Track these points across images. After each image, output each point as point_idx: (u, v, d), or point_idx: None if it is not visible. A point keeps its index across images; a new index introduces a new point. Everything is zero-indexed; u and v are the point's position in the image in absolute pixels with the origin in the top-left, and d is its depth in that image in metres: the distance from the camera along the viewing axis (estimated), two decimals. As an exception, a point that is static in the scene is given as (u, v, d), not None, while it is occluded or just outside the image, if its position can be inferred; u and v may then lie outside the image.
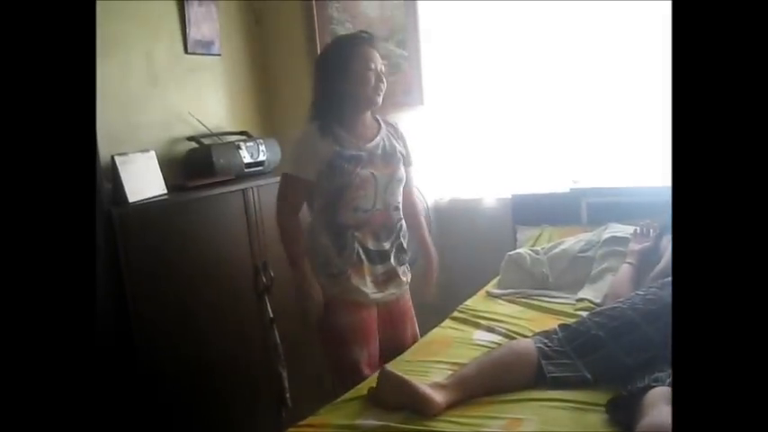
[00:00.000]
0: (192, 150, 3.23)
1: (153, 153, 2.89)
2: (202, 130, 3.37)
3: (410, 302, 2.61)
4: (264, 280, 2.51)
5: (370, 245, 2.36)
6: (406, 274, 2.51)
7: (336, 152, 2.28)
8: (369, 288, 2.37)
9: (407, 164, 2.50)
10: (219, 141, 3.37)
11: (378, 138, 2.40)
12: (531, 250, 3.14)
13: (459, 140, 3.69)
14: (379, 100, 2.35)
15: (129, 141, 2.93)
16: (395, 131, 2.50)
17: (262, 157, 3.33)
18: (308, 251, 2.40)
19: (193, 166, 3.17)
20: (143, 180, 2.74)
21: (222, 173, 3.10)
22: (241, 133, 3.56)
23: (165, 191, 2.84)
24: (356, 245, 2.33)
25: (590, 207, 3.36)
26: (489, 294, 3.01)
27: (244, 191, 3.06)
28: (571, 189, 3.42)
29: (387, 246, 2.40)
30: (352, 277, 2.34)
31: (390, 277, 2.44)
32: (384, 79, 2.35)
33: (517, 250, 3.19)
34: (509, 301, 2.90)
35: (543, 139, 3.52)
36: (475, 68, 3.58)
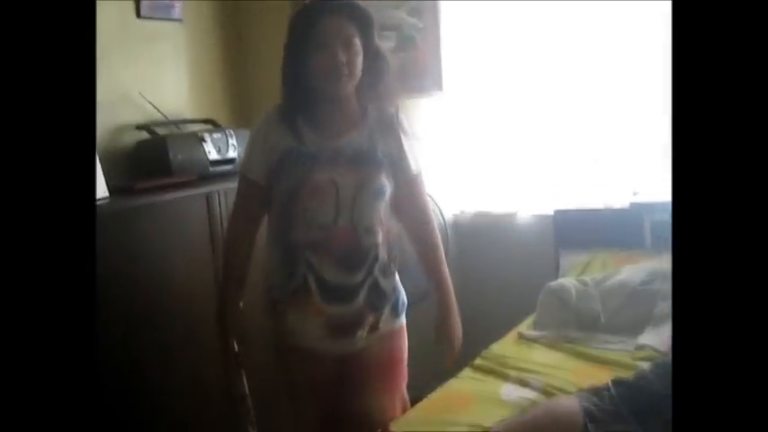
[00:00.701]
0: (143, 142, 3.24)
1: (92, 144, 2.90)
2: (157, 116, 3.37)
3: (395, 359, 2.48)
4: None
5: (329, 275, 2.27)
6: (388, 322, 2.40)
7: (290, 148, 2.27)
8: (314, 332, 2.31)
9: (402, 171, 2.37)
10: (178, 131, 3.38)
11: (353, 134, 2.32)
12: (578, 281, 3.13)
13: (487, 138, 3.69)
14: (338, 88, 2.25)
15: (62, 128, 2.94)
16: (386, 128, 2.37)
17: (231, 153, 3.33)
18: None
19: (143, 161, 3.18)
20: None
21: (180, 171, 3.10)
22: (206, 122, 3.56)
23: (107, 193, 2.83)
24: (307, 272, 2.26)
25: (655, 227, 3.36)
26: (522, 337, 3.00)
27: (208, 195, 3.04)
28: (630, 204, 3.42)
29: (354, 280, 2.29)
30: (290, 314, 2.32)
31: (355, 324, 2.33)
32: (354, 60, 2.23)
33: (560, 281, 3.18)
34: (548, 346, 2.89)
35: (594, 139, 3.53)
36: (509, 46, 3.59)
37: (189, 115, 3.59)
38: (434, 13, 3.64)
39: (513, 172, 3.70)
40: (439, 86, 3.67)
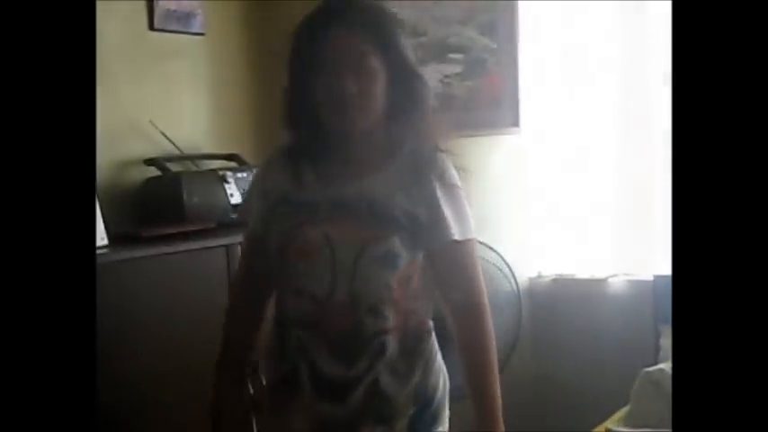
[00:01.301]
0: (152, 180, 3.28)
1: (91, 181, 2.94)
2: (170, 149, 3.42)
3: None
4: (252, 389, 2.47)
5: (323, 364, 2.08)
6: None
7: (284, 193, 2.13)
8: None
9: (435, 235, 2.08)
10: (195, 168, 3.44)
11: (367, 180, 2.09)
12: (683, 367, 3.10)
13: (571, 187, 3.69)
14: (346, 125, 2.05)
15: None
16: (417, 175, 2.09)
17: (258, 197, 3.34)
18: None
19: (152, 203, 3.23)
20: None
21: (196, 217, 3.14)
22: (229, 157, 3.61)
23: (106, 240, 2.87)
24: (299, 357, 2.09)
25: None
26: (612, 434, 2.98)
27: (228, 247, 3.08)
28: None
29: (349, 374, 2.06)
30: (275, 406, 2.19)
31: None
32: (369, 88, 2.02)
33: (659, 366, 3.15)
34: (644, 448, 2.86)
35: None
36: (605, 73, 3.60)
37: (208, 149, 3.64)
38: (511, 31, 3.64)
39: (604, 228, 3.69)
40: (515, 122, 3.67)
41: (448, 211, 2.07)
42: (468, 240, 2.12)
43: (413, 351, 2.11)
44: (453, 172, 2.12)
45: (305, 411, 2.09)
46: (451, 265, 2.13)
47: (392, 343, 2.06)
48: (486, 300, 2.15)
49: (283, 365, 2.12)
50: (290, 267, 2.08)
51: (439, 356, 2.19)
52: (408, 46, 2.09)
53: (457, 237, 2.07)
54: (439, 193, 2.07)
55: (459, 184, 2.12)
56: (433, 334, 2.20)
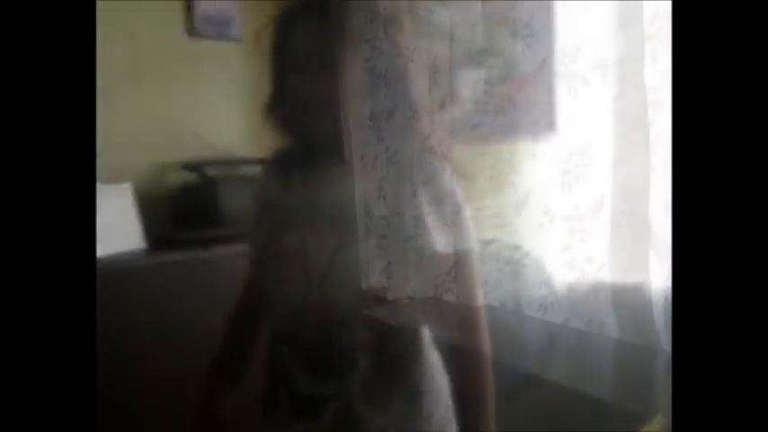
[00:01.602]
0: (190, 184, 3.34)
1: (128, 186, 3.00)
2: (207, 154, 3.46)
3: None
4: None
5: (299, 379, 1.98)
6: None
7: (272, 197, 2.06)
8: None
9: (409, 244, 1.91)
10: (232, 173, 3.47)
11: (345, 183, 1.93)
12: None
13: (594, 190, 3.70)
14: (314, 127, 1.93)
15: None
16: (401, 179, 1.89)
17: (295, 201, 3.37)
18: None
19: (189, 208, 3.28)
20: (112, 227, 2.81)
21: (233, 222, 3.17)
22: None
23: (144, 245, 2.92)
24: (280, 370, 2.02)
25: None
26: (647, 440, 2.98)
27: (264, 252, 3.09)
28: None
29: (321, 391, 1.95)
30: (261, 423, 2.08)
31: None
32: (332, 88, 1.88)
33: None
34: (679, 454, 2.86)
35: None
36: (599, 76, 3.61)
37: (245, 153, 3.64)
38: (548, 32, 3.63)
39: (641, 230, 3.68)
40: (550, 126, 3.66)
41: (435, 221, 1.86)
42: (458, 250, 1.88)
43: (393, 372, 1.94)
44: (446, 178, 1.89)
45: (282, 428, 2.00)
46: (437, 275, 1.87)
47: (365, 361, 1.90)
48: (478, 302, 1.90)
49: (267, 378, 2.06)
50: (273, 273, 1.99)
51: (437, 378, 2.01)
52: (398, 45, 1.87)
53: (439, 246, 1.85)
54: (424, 199, 1.85)
55: (453, 190, 1.89)
56: (426, 353, 2.01)
